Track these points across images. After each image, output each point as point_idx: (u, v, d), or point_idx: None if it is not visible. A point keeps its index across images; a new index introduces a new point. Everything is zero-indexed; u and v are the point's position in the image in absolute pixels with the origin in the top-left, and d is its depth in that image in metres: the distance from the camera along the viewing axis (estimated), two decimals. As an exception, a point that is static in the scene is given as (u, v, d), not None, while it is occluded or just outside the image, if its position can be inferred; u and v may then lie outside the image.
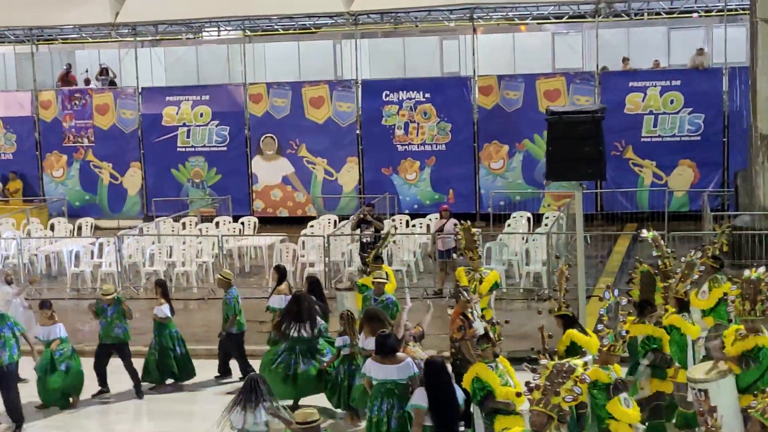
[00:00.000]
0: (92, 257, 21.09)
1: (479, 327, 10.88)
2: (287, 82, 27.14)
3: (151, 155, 27.36)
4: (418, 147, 25.82)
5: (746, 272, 9.98)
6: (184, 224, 23.38)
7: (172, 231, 22.61)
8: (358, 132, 26.15)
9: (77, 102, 27.74)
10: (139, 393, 14.08)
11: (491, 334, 9.93)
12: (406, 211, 24.73)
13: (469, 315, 11.40)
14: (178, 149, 27.16)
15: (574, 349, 10.52)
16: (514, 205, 24.35)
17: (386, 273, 14.10)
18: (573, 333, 10.75)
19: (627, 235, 22.33)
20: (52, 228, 24.14)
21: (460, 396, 10.05)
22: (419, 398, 9.76)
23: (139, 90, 27.54)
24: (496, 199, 24.66)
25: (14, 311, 15.19)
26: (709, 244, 13.21)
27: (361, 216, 19.38)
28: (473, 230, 14.48)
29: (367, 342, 11.45)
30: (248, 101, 26.61)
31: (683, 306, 11.57)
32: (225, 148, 26.95)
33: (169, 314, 14.31)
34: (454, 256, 18.83)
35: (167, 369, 14.35)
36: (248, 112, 26.69)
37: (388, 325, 11.31)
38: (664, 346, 10.98)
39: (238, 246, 21.76)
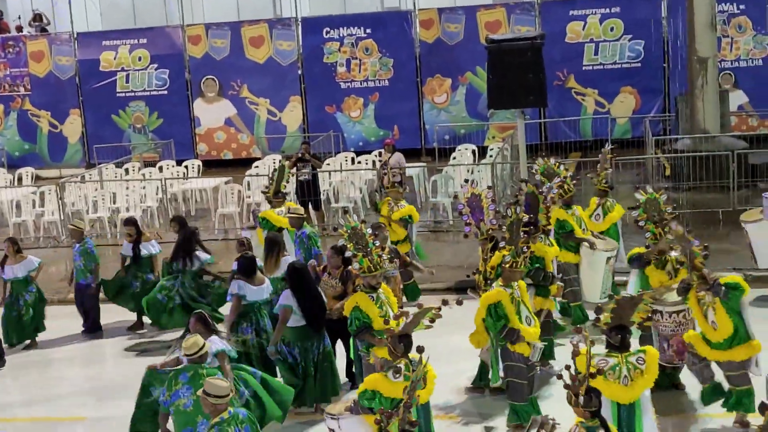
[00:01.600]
0: (34, 206, 20.80)
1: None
2: (226, 22, 26.76)
3: (91, 102, 26.90)
4: (361, 84, 25.66)
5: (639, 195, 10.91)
6: (127, 170, 23.10)
7: (115, 177, 22.34)
8: (299, 71, 25.91)
9: (11, 50, 27.13)
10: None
11: (374, 263, 10.06)
12: (352, 149, 24.63)
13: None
14: (118, 95, 26.74)
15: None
16: (459, 139, 24.37)
17: (289, 208, 14.08)
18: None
19: (571, 164, 22.38)
20: (-9, 179, 23.73)
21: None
22: (284, 299, 10.43)
23: (75, 35, 26.97)
24: (441, 133, 24.66)
25: None
26: (601, 170, 13.44)
27: (299, 155, 19.23)
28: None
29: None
30: (187, 43, 26.21)
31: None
32: (165, 92, 26.58)
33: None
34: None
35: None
36: (187, 54, 26.30)
37: (284, 247, 12.21)
38: (547, 264, 11.26)
39: (183, 190, 21.58)
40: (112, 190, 20.93)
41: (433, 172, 20.57)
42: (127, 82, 26.69)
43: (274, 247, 11.94)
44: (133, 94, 26.69)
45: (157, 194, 20.64)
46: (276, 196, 14.42)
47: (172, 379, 8.89)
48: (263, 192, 15.23)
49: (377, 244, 10.25)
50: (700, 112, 20.29)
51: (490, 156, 21.29)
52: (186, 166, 23.40)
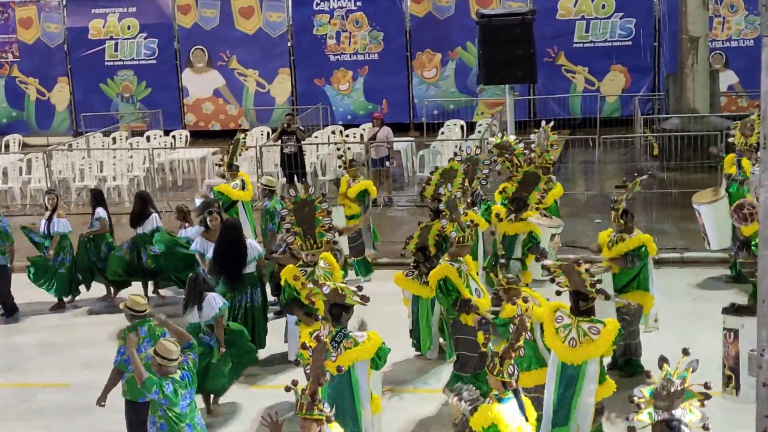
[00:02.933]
0: (21, 174, 20.72)
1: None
2: (216, -8, 26.61)
3: (79, 70, 26.75)
4: (350, 57, 25.58)
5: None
6: (114, 139, 23.02)
7: (103, 146, 22.26)
8: (289, 43, 25.80)
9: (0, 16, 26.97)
10: None
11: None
12: (340, 122, 24.57)
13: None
14: (107, 63, 26.60)
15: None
16: (448, 114, 24.33)
17: (242, 180, 14.30)
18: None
19: (560, 141, 22.38)
20: (-23, 146, 23.62)
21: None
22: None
23: (64, 3, 26.77)
24: (430, 108, 24.62)
25: None
26: (542, 148, 13.44)
27: (284, 126, 19.19)
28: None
29: None
30: (176, 12, 26.05)
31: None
32: (154, 62, 26.45)
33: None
34: (387, 164, 18.85)
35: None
36: (177, 23, 26.16)
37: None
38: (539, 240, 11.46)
39: (170, 160, 21.52)
40: (99, 159, 20.87)
41: (420, 146, 20.55)
42: (116, 50, 26.54)
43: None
44: (121, 62, 26.56)
45: (144, 164, 20.57)
46: (230, 169, 14.39)
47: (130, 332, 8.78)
48: (217, 164, 15.21)
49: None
50: (690, 91, 20.30)
51: (479, 132, 21.27)
52: (174, 136, 23.33)
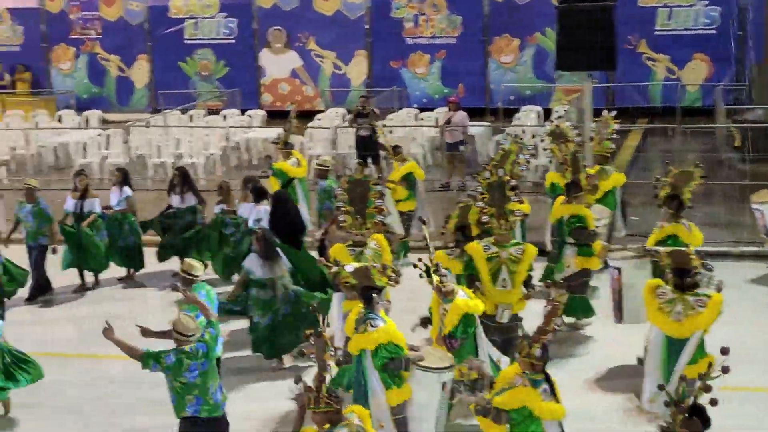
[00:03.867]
0: (99, 149, 21.04)
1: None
2: (295, -27, 26.69)
3: (159, 48, 27.04)
4: (428, 40, 25.48)
5: None
6: (191, 117, 23.24)
7: (180, 123, 22.49)
8: (366, 25, 25.78)
9: (83, -6, 27.35)
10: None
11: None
12: (415, 105, 24.50)
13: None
14: (186, 41, 26.85)
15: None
16: (524, 100, 24.08)
17: (297, 159, 14.56)
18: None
19: (638, 130, 22.10)
20: (59, 120, 24.03)
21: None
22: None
23: (146, -19, 27.13)
24: (506, 93, 24.41)
25: None
26: (601, 137, 13.38)
27: (359, 108, 19.19)
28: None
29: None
30: (256, -8, 26.24)
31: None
32: (233, 41, 26.64)
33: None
34: (462, 148, 18.74)
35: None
36: (256, 3, 26.29)
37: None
38: (588, 224, 11.33)
39: (246, 138, 21.65)
40: (176, 136, 21.09)
41: (496, 132, 20.39)
42: (196, 29, 26.78)
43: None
44: (200, 41, 26.79)
45: (219, 142, 20.74)
46: (285, 147, 14.63)
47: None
48: (273, 143, 15.55)
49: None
50: (775, 82, 19.84)
51: (555, 119, 21.01)
52: (250, 115, 23.47)
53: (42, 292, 13.69)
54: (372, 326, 7.86)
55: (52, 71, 27.76)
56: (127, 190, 14.12)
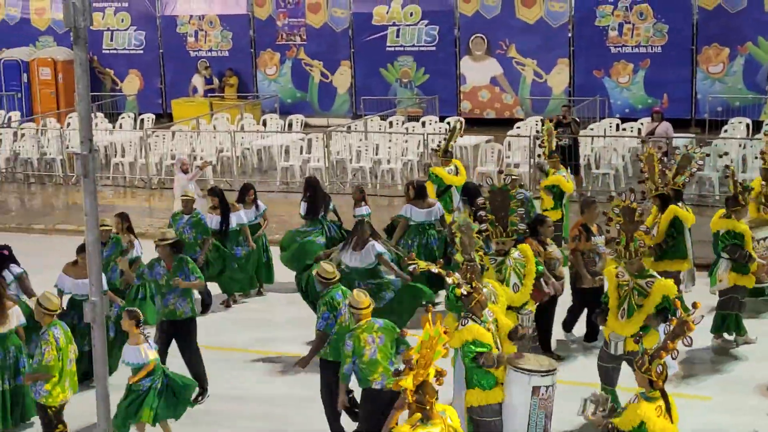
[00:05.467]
0: (301, 152, 21.55)
1: (598, 242, 11.20)
2: (499, -19, 26.59)
3: (361, 54, 27.47)
4: (632, 49, 24.87)
5: None
6: (391, 123, 23.51)
7: (380, 129, 22.78)
8: (570, 33, 25.41)
9: (290, 1, 28.07)
10: None
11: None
12: (617, 115, 23.96)
13: (593, 228, 11.44)
14: (388, 48, 27.17)
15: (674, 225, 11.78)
16: (733, 111, 23.18)
17: (455, 166, 14.76)
18: (675, 208, 11.91)
19: None
20: (264, 123, 24.78)
21: None
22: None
23: (351, -12, 27.61)
24: (713, 104, 23.57)
25: None
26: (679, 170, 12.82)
27: (560, 118, 18.92)
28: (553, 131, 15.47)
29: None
30: (458, 0, 26.24)
31: (679, 196, 12.46)
32: (434, 48, 26.77)
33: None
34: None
35: None
36: (458, 11, 26.35)
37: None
38: (747, 243, 11.19)
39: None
40: (375, 142, 21.36)
41: (702, 144, 19.69)
42: (398, 36, 27.06)
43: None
44: (402, 48, 27.04)
45: (418, 148, 20.88)
46: (444, 155, 14.70)
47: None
48: (434, 150, 15.66)
49: None
50: None
51: (766, 132, 20.11)
52: (449, 122, 23.51)
53: (206, 308, 13.56)
54: (462, 325, 8.31)
55: (258, 76, 28.64)
56: (261, 204, 14.37)
